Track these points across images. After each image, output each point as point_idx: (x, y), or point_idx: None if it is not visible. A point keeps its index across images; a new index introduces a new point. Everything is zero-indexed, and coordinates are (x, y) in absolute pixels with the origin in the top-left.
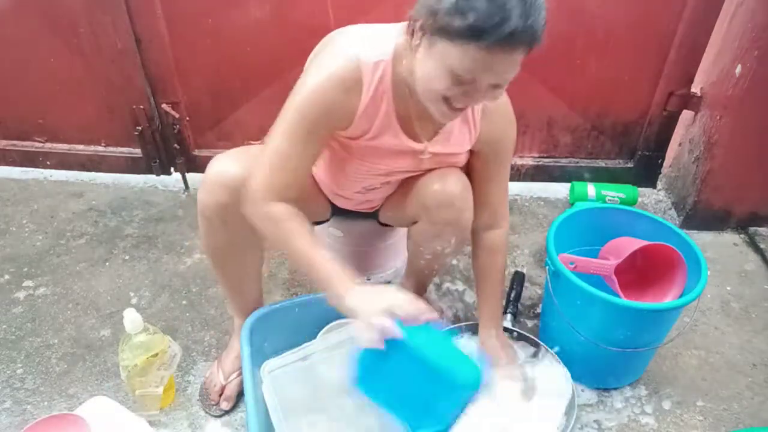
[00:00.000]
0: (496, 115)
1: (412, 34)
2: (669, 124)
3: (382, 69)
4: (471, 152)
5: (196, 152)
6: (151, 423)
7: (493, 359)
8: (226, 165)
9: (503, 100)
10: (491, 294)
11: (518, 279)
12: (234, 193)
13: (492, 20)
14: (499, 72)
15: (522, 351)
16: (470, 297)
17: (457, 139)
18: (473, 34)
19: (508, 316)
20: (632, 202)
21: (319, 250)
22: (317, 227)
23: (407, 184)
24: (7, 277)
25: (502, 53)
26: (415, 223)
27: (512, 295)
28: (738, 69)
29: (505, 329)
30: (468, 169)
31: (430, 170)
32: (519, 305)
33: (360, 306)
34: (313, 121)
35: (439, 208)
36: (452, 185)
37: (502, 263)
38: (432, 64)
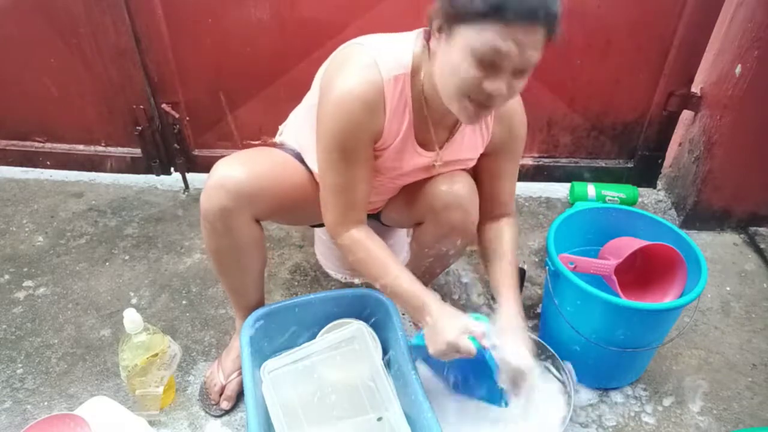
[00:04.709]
0: (509, 117)
1: (429, 38)
2: (669, 124)
3: (402, 83)
4: (482, 153)
5: (196, 152)
6: (151, 423)
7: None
8: (229, 169)
9: (516, 101)
10: (506, 274)
11: (519, 276)
12: (237, 197)
13: None
14: (520, 51)
15: None
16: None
17: (468, 144)
18: (494, 11)
19: None
20: (632, 202)
21: (394, 275)
22: (319, 229)
23: (411, 186)
24: (7, 277)
25: (522, 30)
26: (419, 224)
27: None
28: (738, 69)
29: None
30: (478, 167)
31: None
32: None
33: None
34: (348, 147)
35: (447, 210)
36: (460, 187)
37: (514, 244)
38: (454, 55)
